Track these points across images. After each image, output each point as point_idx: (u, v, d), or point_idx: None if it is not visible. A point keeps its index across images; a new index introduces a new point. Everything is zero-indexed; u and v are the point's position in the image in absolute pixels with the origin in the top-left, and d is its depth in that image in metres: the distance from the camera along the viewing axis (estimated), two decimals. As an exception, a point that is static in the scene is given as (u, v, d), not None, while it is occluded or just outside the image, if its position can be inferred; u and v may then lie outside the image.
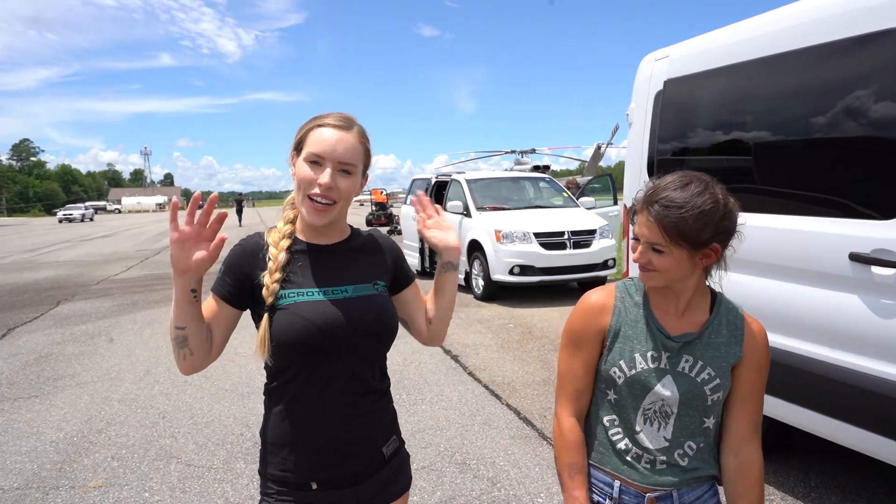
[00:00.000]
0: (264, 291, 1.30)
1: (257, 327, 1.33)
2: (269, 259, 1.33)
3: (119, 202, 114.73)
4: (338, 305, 1.32)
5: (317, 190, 1.29)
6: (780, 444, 3.36)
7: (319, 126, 1.32)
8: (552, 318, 7.28)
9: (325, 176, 1.28)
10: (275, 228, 1.40)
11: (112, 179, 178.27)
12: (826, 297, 2.60)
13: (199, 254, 1.19)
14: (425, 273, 11.09)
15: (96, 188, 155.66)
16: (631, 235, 1.32)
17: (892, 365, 2.34)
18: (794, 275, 2.73)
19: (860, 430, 2.47)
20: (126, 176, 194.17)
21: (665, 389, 1.27)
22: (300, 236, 1.40)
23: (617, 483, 1.32)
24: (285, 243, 1.35)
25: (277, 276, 1.31)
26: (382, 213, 27.13)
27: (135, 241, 23.67)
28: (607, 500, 1.34)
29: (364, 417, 1.37)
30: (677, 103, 3.53)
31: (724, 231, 1.21)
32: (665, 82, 3.60)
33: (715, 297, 1.34)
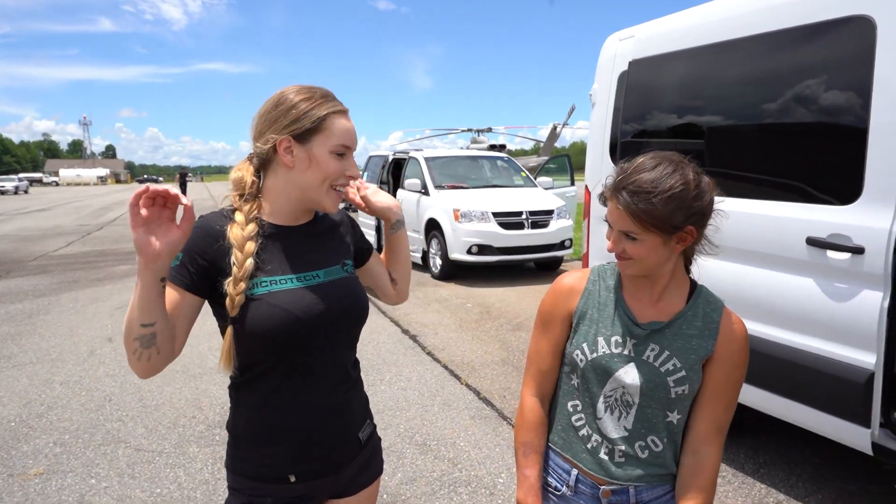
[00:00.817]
0: (228, 302, 1.18)
1: (218, 320, 1.24)
2: (234, 264, 1.19)
3: (56, 174, 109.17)
4: (314, 292, 1.26)
5: (343, 181, 1.27)
6: (733, 423, 3.46)
7: (336, 114, 1.26)
8: (510, 298, 7.32)
9: (354, 167, 1.28)
10: (235, 223, 1.23)
11: (48, 150, 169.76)
12: (783, 281, 2.66)
13: (171, 233, 1.03)
14: (381, 250, 10.94)
15: (31, 159, 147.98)
16: (604, 221, 1.27)
17: (844, 346, 2.42)
18: (752, 258, 2.78)
19: (808, 409, 2.56)
20: (64, 147, 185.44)
21: (626, 376, 1.23)
22: (268, 218, 1.29)
23: (574, 471, 1.31)
24: (252, 247, 1.22)
25: (243, 286, 1.19)
26: None
27: (76, 216, 22.59)
28: (564, 486, 1.33)
29: (342, 405, 1.33)
30: (642, 84, 3.53)
31: (699, 212, 1.16)
32: (630, 63, 3.59)
33: (695, 288, 1.30)
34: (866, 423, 2.34)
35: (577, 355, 1.29)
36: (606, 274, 1.34)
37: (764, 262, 2.74)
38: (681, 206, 1.13)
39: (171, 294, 1.18)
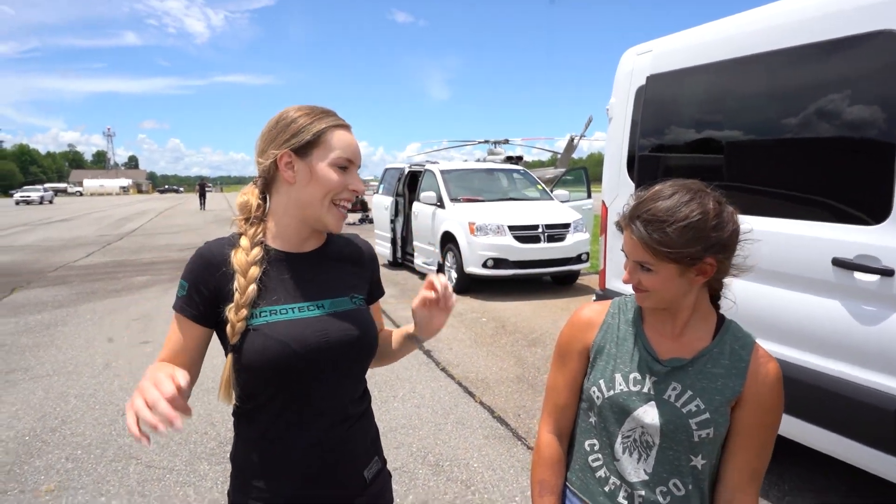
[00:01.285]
0: (229, 329, 1.17)
1: (224, 347, 1.21)
2: (236, 290, 1.18)
3: (80, 184, 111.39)
4: (315, 324, 1.21)
5: (347, 196, 1.24)
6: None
7: (337, 127, 1.23)
8: (525, 313, 7.23)
9: (357, 181, 1.25)
10: (239, 248, 1.22)
11: (73, 161, 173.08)
12: (808, 302, 2.57)
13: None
14: (396, 264, 10.96)
15: (56, 169, 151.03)
16: (620, 251, 1.23)
17: (872, 372, 2.33)
18: (776, 278, 2.69)
19: (838, 437, 2.46)
20: (88, 157, 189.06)
21: (645, 416, 1.16)
22: (272, 244, 1.26)
23: None
24: (255, 272, 1.20)
25: (244, 312, 1.17)
26: (357, 200, 27.61)
27: (97, 226, 22.94)
28: None
29: (344, 441, 1.27)
30: (660, 99, 3.47)
31: (719, 243, 1.09)
32: (648, 78, 3.54)
33: (722, 323, 1.21)
34: (897, 452, 2.24)
35: (594, 392, 1.23)
36: (627, 307, 1.28)
37: (787, 282, 2.65)
38: (698, 237, 1.07)
39: (180, 325, 1.21)
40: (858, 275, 2.36)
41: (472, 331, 6.40)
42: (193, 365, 1.22)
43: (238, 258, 1.20)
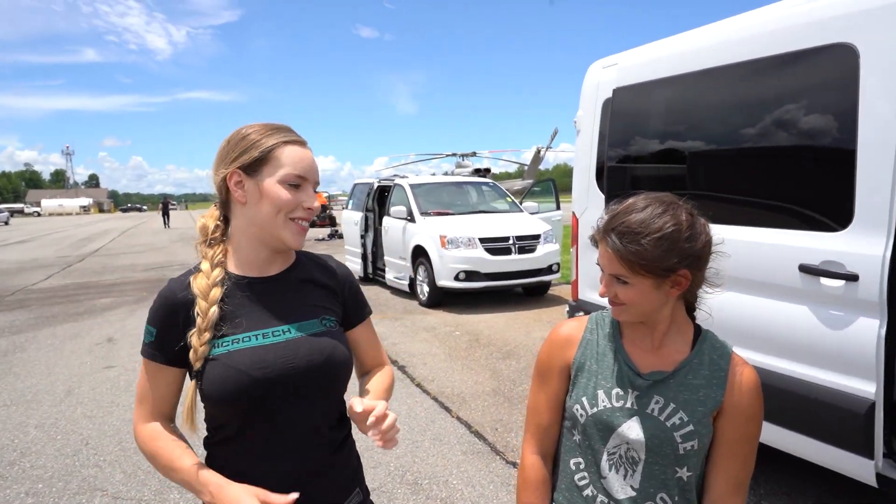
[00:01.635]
0: (192, 355, 1.14)
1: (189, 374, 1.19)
2: (198, 314, 1.14)
3: (38, 205, 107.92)
4: (278, 349, 1.16)
5: (302, 214, 1.18)
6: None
7: (287, 143, 1.18)
8: (498, 325, 7.23)
9: (312, 198, 1.20)
10: (200, 273, 1.19)
11: (30, 180, 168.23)
12: (776, 308, 2.62)
13: None
14: (367, 279, 10.87)
15: (12, 189, 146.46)
16: (595, 264, 1.22)
17: (840, 375, 2.38)
18: (744, 286, 2.74)
19: (808, 439, 2.50)
20: (46, 177, 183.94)
21: (630, 432, 1.15)
22: (234, 270, 1.22)
23: None
24: (217, 293, 1.17)
25: (207, 336, 1.14)
26: (325, 215, 28.15)
27: (57, 247, 22.23)
28: None
29: (319, 474, 1.21)
30: (627, 111, 3.53)
31: (692, 255, 1.10)
32: (614, 90, 3.59)
33: (700, 334, 1.22)
34: (869, 453, 2.28)
35: (577, 410, 1.21)
36: (604, 322, 1.27)
37: (755, 289, 2.70)
38: (672, 248, 1.08)
39: (155, 371, 1.19)
40: (825, 280, 2.41)
41: (446, 345, 6.37)
42: (175, 408, 1.23)
43: (199, 283, 1.17)
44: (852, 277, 2.31)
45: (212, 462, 1.20)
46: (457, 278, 8.11)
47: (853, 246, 2.32)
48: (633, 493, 1.17)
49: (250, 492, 1.06)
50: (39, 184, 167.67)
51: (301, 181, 1.18)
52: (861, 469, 2.33)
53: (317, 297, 1.27)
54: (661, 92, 3.29)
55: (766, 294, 2.67)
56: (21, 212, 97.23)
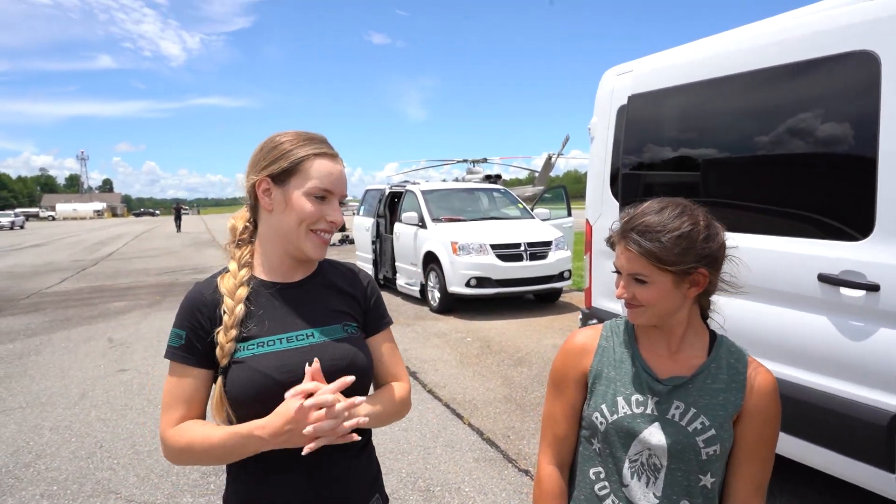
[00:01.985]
0: (218, 351, 1.16)
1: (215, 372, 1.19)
2: (225, 312, 1.17)
3: (53, 209, 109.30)
4: (302, 354, 1.18)
5: (325, 226, 1.20)
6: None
7: (318, 156, 1.19)
8: (510, 332, 7.21)
9: (336, 212, 1.21)
10: (227, 273, 1.23)
11: (45, 185, 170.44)
12: (795, 318, 2.59)
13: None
14: (378, 285, 10.87)
15: (28, 194, 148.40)
16: (612, 269, 1.23)
17: (860, 387, 2.34)
18: (762, 295, 2.71)
19: (830, 452, 2.46)
20: (61, 181, 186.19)
21: (652, 438, 1.15)
22: (260, 275, 1.25)
23: None
24: (243, 292, 1.19)
25: (233, 333, 1.16)
26: None
27: (71, 251, 22.46)
28: None
29: (339, 479, 1.21)
30: (642, 118, 3.51)
31: (710, 255, 1.12)
32: (629, 97, 3.58)
33: (715, 339, 1.22)
34: (890, 467, 2.25)
35: (597, 418, 1.20)
36: (619, 329, 1.27)
37: (773, 298, 2.67)
38: (691, 247, 1.10)
39: (184, 374, 1.18)
40: (845, 290, 2.38)
41: (458, 351, 6.36)
42: (204, 413, 1.22)
43: (226, 283, 1.20)
44: (873, 287, 2.28)
45: (234, 465, 1.20)
46: (468, 284, 8.10)
47: (874, 256, 2.29)
48: (656, 501, 1.15)
49: (288, 402, 1.07)
50: (54, 188, 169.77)
51: (327, 194, 1.19)
52: (881, 482, 2.29)
53: (339, 303, 1.28)
54: (676, 99, 3.27)
55: (784, 304, 2.64)
56: (36, 216, 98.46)
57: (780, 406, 1.17)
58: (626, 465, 1.17)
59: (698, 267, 1.11)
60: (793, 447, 2.60)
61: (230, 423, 1.16)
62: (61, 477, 3.59)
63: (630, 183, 3.66)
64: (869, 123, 2.32)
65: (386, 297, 9.98)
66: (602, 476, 1.22)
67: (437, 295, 8.53)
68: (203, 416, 1.22)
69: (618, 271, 1.18)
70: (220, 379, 1.17)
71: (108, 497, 3.33)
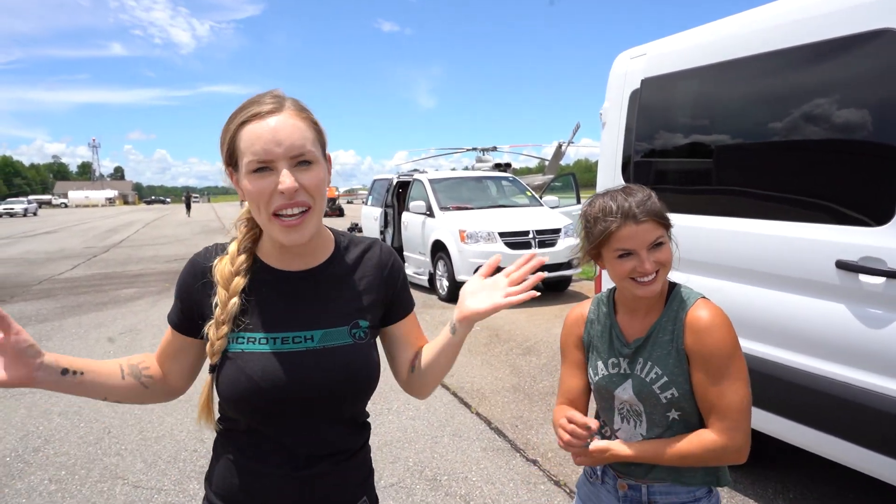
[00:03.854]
0: (208, 348, 1.09)
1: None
2: (216, 304, 1.07)
3: (65, 196, 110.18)
4: (294, 360, 1.06)
5: (281, 201, 1.00)
6: (758, 454, 3.30)
7: (245, 123, 1.00)
8: (519, 321, 7.17)
9: (285, 179, 0.98)
10: (225, 256, 1.10)
11: (58, 172, 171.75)
12: (811, 306, 2.52)
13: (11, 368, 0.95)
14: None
15: (41, 181, 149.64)
16: (618, 258, 1.31)
17: (879, 376, 2.28)
18: (778, 282, 2.65)
19: (845, 442, 2.41)
20: (73, 169, 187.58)
21: (623, 393, 1.37)
22: (264, 259, 1.13)
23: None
24: (240, 283, 1.08)
25: (225, 329, 1.06)
26: (335, 207, 33.00)
27: (82, 238, 22.63)
28: (595, 473, 1.47)
29: (324, 481, 1.12)
30: (655, 102, 3.43)
31: None
32: (642, 81, 3.49)
33: (671, 293, 1.38)
34: (907, 458, 2.19)
35: (591, 380, 1.47)
36: (603, 301, 1.49)
37: (790, 286, 2.60)
38: (664, 208, 1.32)
39: (172, 339, 1.17)
40: (864, 277, 2.31)
41: (466, 340, 6.30)
42: (182, 372, 1.19)
43: (220, 268, 1.08)
44: (893, 274, 2.21)
45: (223, 446, 1.17)
46: (476, 272, 8.04)
47: (894, 242, 2.22)
48: (642, 439, 1.38)
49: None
50: (67, 176, 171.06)
51: (266, 164, 0.99)
52: (898, 474, 2.23)
53: (353, 297, 1.15)
54: (691, 82, 3.19)
55: (800, 291, 2.57)
56: (49, 203, 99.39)
57: (724, 338, 1.28)
58: (616, 413, 1.42)
59: (670, 225, 1.34)
60: (811, 438, 2.54)
61: (215, 422, 1.16)
62: (69, 462, 3.60)
63: (642, 169, 3.58)
64: (891, 105, 2.24)
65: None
66: (604, 423, 1.48)
67: (446, 283, 8.50)
68: (180, 378, 1.20)
69: (624, 255, 1.29)
70: (209, 378, 1.12)
71: (116, 482, 3.33)
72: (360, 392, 1.13)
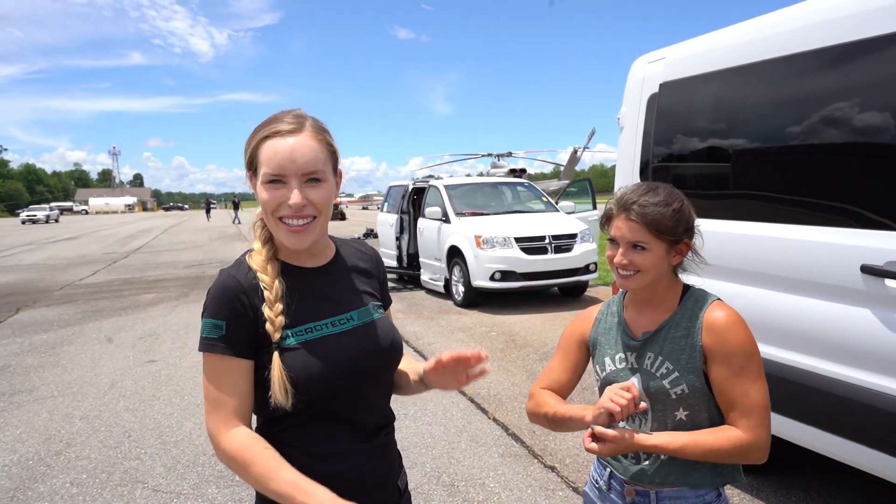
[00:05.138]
0: (268, 326, 1.12)
1: (264, 372, 1.13)
2: (265, 288, 1.15)
3: (86, 203, 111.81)
4: (350, 338, 1.19)
5: (288, 211, 1.12)
6: (782, 461, 3.25)
7: (267, 138, 1.12)
8: (535, 326, 7.14)
9: (293, 196, 1.11)
10: (253, 251, 1.21)
11: (79, 179, 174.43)
12: (835, 311, 2.48)
13: None
14: (401, 279, 10.87)
15: (62, 188, 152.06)
16: (608, 240, 1.38)
17: (907, 383, 2.23)
18: (801, 287, 2.61)
19: (871, 450, 2.36)
20: (94, 176, 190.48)
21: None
22: (284, 258, 1.22)
23: (608, 470, 1.45)
24: (275, 267, 1.18)
25: (280, 306, 1.13)
26: (337, 212, 35.14)
27: (103, 244, 22.96)
28: (601, 481, 1.47)
29: (384, 450, 1.25)
30: (674, 107, 3.41)
31: (691, 228, 1.35)
32: (661, 85, 3.47)
33: (686, 293, 1.39)
34: (937, 468, 2.14)
35: (596, 378, 1.46)
36: (613, 303, 1.51)
37: (813, 291, 2.56)
38: (681, 220, 1.32)
39: (228, 367, 1.11)
40: (890, 282, 2.27)
41: (482, 345, 6.31)
42: (251, 408, 1.16)
43: (255, 260, 1.18)
44: (921, 280, 2.16)
45: (279, 445, 1.13)
46: (492, 278, 8.04)
47: (922, 246, 2.18)
48: None
49: None
50: (87, 183, 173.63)
51: (279, 177, 1.12)
52: (929, 484, 2.18)
53: (363, 284, 1.30)
54: (710, 86, 3.16)
55: (823, 296, 2.53)
56: (70, 210, 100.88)
57: (744, 337, 1.29)
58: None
59: (685, 238, 1.34)
60: (835, 446, 2.49)
61: (295, 407, 1.11)
62: (90, 465, 3.64)
63: (660, 174, 3.55)
64: (918, 108, 2.20)
65: (410, 291, 10.03)
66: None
67: (462, 289, 8.49)
68: (250, 416, 1.16)
69: (612, 241, 1.35)
70: (276, 358, 1.10)
71: (136, 486, 3.36)
72: (399, 355, 1.29)
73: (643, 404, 1.28)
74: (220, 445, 1.10)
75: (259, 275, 1.16)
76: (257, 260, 1.18)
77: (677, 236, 1.31)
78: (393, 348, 1.26)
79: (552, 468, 3.48)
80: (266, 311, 1.13)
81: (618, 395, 1.22)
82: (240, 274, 1.16)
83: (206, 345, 1.12)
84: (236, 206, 43.78)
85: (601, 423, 1.27)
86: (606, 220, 1.38)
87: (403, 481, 1.33)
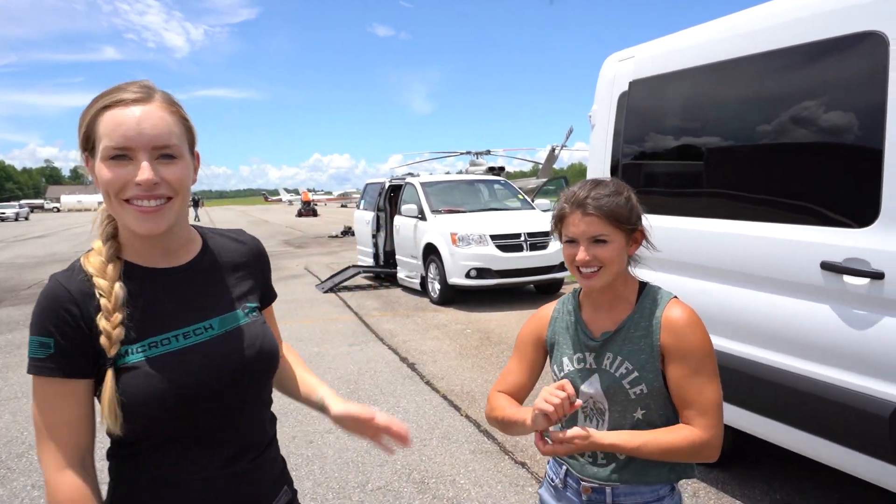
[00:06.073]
0: (103, 341, 0.96)
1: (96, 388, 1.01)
2: (101, 294, 0.98)
3: (58, 200, 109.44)
4: (203, 350, 1.04)
5: (136, 192, 0.96)
6: (743, 454, 3.31)
7: (107, 108, 0.97)
8: (510, 323, 7.16)
9: (143, 170, 0.95)
10: (91, 251, 1.04)
11: (50, 176, 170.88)
12: (796, 307, 2.53)
13: None
14: (379, 277, 10.83)
15: (33, 185, 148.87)
16: (564, 242, 1.36)
17: (864, 377, 2.28)
18: (762, 283, 2.65)
19: (828, 443, 2.41)
20: (66, 173, 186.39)
21: (589, 387, 1.36)
22: (132, 259, 1.05)
23: (564, 467, 1.45)
24: (115, 269, 1.01)
25: (119, 316, 0.97)
26: (309, 209, 37.81)
27: (74, 242, 22.48)
28: (557, 479, 1.47)
29: (249, 474, 1.10)
30: (643, 105, 3.44)
31: (640, 216, 1.36)
32: (630, 83, 3.50)
33: (643, 291, 1.39)
34: (892, 458, 2.19)
35: (553, 377, 1.44)
36: (568, 300, 1.49)
37: (775, 287, 2.61)
38: (633, 207, 1.33)
39: (61, 391, 0.97)
40: (848, 278, 2.32)
41: (457, 343, 6.31)
42: (94, 434, 1.02)
43: (91, 261, 1.02)
44: (877, 275, 2.21)
45: (126, 469, 1.06)
46: (468, 276, 8.05)
47: (878, 243, 2.22)
48: None
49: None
50: (59, 180, 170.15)
51: (124, 151, 0.96)
52: (883, 475, 2.23)
53: (234, 283, 1.15)
54: (679, 85, 3.19)
55: (784, 292, 2.57)
56: (41, 207, 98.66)
57: (702, 337, 1.31)
58: (580, 411, 1.39)
59: (639, 226, 1.35)
60: (794, 439, 2.54)
61: (134, 433, 1.00)
62: (54, 467, 3.55)
63: (631, 172, 3.58)
64: (876, 108, 2.24)
65: (386, 288, 9.98)
66: (563, 423, 1.39)
67: (438, 286, 8.48)
68: (92, 443, 1.03)
69: (570, 241, 1.33)
70: (109, 373, 0.96)
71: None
72: (270, 366, 1.15)
73: (578, 402, 1.25)
74: (48, 491, 0.99)
75: (95, 279, 0.99)
76: (94, 261, 1.01)
77: (633, 224, 1.32)
78: (260, 359, 1.10)
79: (522, 464, 3.49)
80: (102, 322, 0.96)
81: (552, 395, 1.21)
82: (70, 280, 1.00)
83: (33, 366, 0.97)
84: (196, 204, 42.83)
85: (540, 425, 1.26)
86: (559, 221, 1.35)
87: (281, 502, 1.18)
